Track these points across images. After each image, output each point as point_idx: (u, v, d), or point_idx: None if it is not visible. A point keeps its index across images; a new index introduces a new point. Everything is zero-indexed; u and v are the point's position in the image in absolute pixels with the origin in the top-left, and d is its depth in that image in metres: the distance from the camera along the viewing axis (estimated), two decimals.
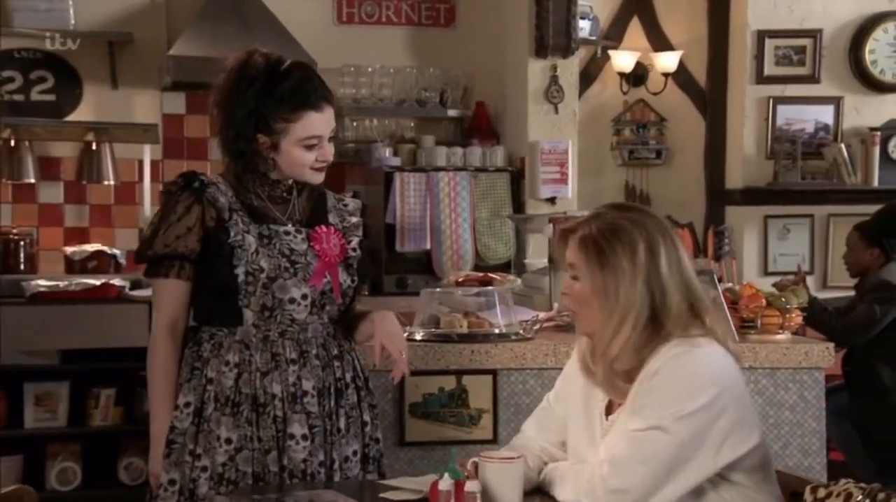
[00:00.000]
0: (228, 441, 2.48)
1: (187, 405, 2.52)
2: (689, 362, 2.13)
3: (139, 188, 5.88)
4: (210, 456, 2.48)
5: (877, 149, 6.14)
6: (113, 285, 5.11)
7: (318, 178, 2.65)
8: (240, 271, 2.50)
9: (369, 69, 6.03)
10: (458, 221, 5.73)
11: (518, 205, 5.84)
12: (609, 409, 2.27)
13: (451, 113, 6.11)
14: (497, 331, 3.35)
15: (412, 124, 6.17)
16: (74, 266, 5.49)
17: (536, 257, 4.98)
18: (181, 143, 6.01)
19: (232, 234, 2.52)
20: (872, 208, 5.39)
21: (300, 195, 2.68)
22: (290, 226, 2.61)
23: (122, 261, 5.58)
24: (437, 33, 6.28)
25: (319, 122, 2.58)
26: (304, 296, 2.56)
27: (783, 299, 3.40)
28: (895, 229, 5.10)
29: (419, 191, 5.70)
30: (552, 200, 5.75)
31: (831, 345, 3.35)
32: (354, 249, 2.68)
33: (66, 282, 5.12)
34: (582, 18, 5.89)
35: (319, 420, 2.54)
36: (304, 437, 2.50)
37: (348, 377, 2.62)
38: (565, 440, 2.39)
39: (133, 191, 5.90)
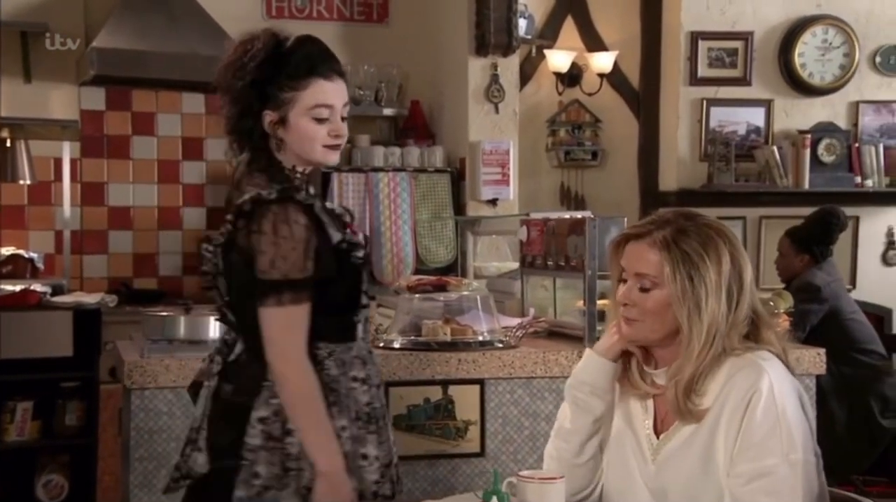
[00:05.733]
0: (377, 458, 2.34)
1: (343, 429, 2.31)
2: (780, 387, 2.02)
3: (55, 188, 5.58)
4: (359, 476, 2.31)
5: (807, 152, 6.18)
6: (34, 291, 4.85)
7: (332, 158, 2.41)
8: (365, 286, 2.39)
9: None
10: (398, 223, 5.54)
11: (458, 207, 5.69)
12: (656, 427, 2.12)
13: (387, 111, 5.93)
14: (480, 338, 3.19)
15: None
16: None
17: (483, 260, 4.84)
18: (101, 141, 5.72)
19: (358, 253, 2.35)
20: (804, 210, 5.41)
21: None
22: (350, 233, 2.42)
23: (40, 265, 5.31)
24: (370, 29, 6.11)
25: (330, 90, 2.35)
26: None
27: (771, 303, 3.32)
28: (825, 236, 5.16)
29: (358, 193, 5.50)
30: (494, 202, 5.61)
31: (822, 351, 3.27)
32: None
33: None
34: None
35: None
36: None
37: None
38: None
39: (49, 191, 5.60)
